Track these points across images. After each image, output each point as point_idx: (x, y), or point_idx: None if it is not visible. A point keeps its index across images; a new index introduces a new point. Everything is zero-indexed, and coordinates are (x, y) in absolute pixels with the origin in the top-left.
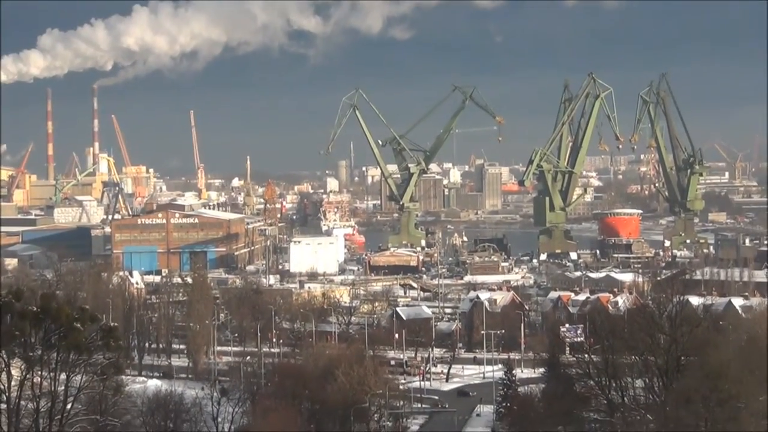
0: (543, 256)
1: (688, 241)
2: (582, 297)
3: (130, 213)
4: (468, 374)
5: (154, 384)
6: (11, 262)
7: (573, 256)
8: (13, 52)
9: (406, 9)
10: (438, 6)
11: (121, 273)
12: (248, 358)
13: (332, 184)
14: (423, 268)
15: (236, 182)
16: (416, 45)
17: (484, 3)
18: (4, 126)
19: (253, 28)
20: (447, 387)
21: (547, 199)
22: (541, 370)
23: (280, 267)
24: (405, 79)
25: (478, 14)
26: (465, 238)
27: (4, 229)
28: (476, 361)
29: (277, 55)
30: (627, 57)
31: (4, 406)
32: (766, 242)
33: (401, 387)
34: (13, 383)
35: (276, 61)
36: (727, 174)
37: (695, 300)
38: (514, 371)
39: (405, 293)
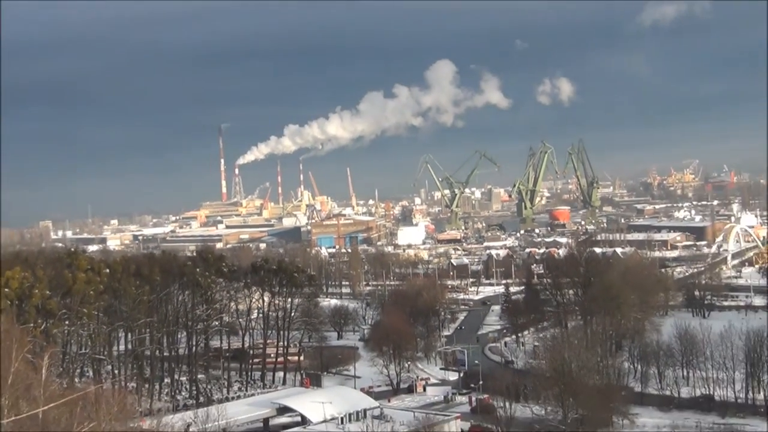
0: (522, 232)
1: (593, 221)
2: (542, 251)
3: (319, 219)
4: (487, 291)
5: (333, 302)
6: (262, 246)
7: (536, 231)
8: (274, 136)
9: (463, 110)
10: (483, 107)
11: (315, 248)
12: (379, 287)
13: (417, 200)
14: (464, 242)
15: (371, 202)
16: (466, 129)
17: (504, 102)
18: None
19: (389, 124)
20: (476, 298)
21: (523, 204)
22: (522, 287)
23: (395, 241)
24: (457, 146)
25: (499, 112)
26: (484, 225)
27: (260, 229)
28: (491, 285)
29: (403, 137)
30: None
31: (261, 315)
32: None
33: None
34: (265, 303)
35: (402, 140)
36: (611, 188)
37: (597, 249)
38: (510, 289)
39: (455, 253)
